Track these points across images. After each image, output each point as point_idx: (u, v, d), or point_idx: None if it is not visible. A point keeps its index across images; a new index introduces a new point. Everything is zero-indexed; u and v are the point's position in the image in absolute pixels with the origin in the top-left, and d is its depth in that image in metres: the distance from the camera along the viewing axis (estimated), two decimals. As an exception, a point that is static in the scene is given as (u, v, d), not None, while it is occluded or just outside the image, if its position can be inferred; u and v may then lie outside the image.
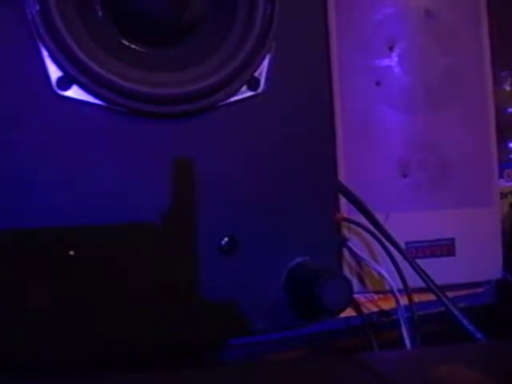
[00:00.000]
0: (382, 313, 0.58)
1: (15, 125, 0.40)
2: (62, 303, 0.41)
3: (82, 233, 0.41)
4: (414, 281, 0.54)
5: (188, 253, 0.43)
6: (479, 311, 0.60)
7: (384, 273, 0.55)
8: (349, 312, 0.56)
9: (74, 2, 0.40)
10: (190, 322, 0.43)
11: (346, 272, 0.60)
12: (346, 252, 0.60)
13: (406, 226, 0.60)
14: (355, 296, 0.58)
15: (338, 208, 0.59)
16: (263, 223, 0.45)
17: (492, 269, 0.62)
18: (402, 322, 0.52)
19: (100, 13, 0.42)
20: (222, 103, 0.43)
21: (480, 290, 0.62)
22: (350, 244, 0.59)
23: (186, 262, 0.43)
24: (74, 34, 0.39)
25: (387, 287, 0.56)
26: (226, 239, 0.44)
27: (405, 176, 0.61)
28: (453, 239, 0.61)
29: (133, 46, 0.43)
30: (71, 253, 0.40)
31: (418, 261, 0.55)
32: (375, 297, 0.60)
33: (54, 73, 0.40)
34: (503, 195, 0.70)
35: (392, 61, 0.61)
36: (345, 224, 0.59)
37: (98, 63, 0.40)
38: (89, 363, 0.42)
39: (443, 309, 0.51)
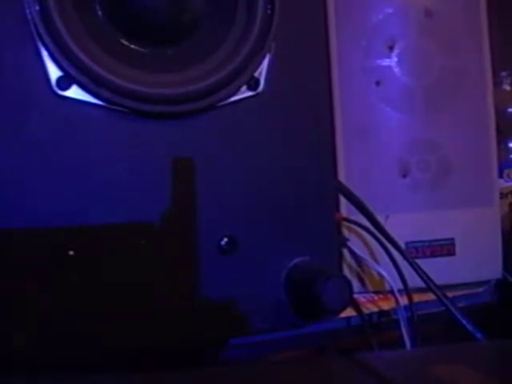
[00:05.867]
0: (382, 313, 0.58)
1: (15, 124, 0.40)
2: (61, 303, 0.40)
3: (81, 233, 0.41)
4: (414, 281, 0.54)
5: (188, 253, 0.43)
6: (479, 311, 0.60)
7: (384, 273, 0.55)
8: (349, 312, 0.56)
9: (73, 3, 0.40)
10: (190, 322, 0.43)
11: (346, 272, 0.60)
12: (345, 252, 0.60)
13: (406, 226, 0.60)
14: (355, 296, 0.58)
15: (337, 208, 0.59)
16: (263, 223, 0.45)
17: (492, 269, 0.62)
18: (402, 322, 0.52)
19: (100, 13, 0.42)
20: (221, 103, 0.43)
21: (480, 289, 0.62)
22: (349, 244, 0.59)
23: (185, 262, 0.43)
24: (73, 34, 0.39)
25: (387, 287, 0.56)
26: (225, 239, 0.44)
27: (404, 176, 0.61)
28: (452, 239, 0.61)
29: (132, 46, 0.43)
30: (71, 253, 0.40)
31: (418, 261, 0.55)
32: (375, 297, 0.60)
33: (54, 73, 0.40)
34: (503, 195, 0.70)
35: (392, 60, 0.61)
36: (345, 224, 0.60)
37: (98, 63, 0.40)
38: (89, 363, 0.42)
39: (443, 309, 0.51)
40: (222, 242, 0.44)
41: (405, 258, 0.55)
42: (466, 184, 0.62)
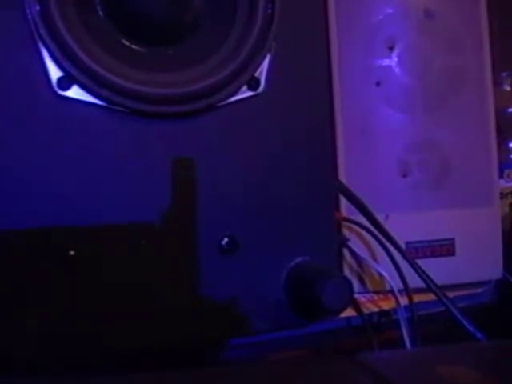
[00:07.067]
0: (382, 313, 0.58)
1: (15, 125, 0.40)
2: (61, 303, 0.40)
3: (82, 233, 0.41)
4: (414, 281, 0.54)
5: (188, 253, 0.43)
6: (479, 311, 0.60)
7: (384, 273, 0.55)
8: (349, 312, 0.56)
9: (74, 2, 0.40)
10: (190, 322, 0.43)
11: (347, 272, 0.60)
12: (346, 252, 0.60)
13: (406, 226, 0.60)
14: (355, 296, 0.58)
15: (338, 208, 0.59)
16: (263, 223, 0.45)
17: (492, 269, 0.62)
18: (402, 322, 0.52)
19: (100, 13, 0.42)
20: (222, 103, 0.43)
21: (480, 289, 0.63)
22: (350, 244, 0.59)
23: (186, 262, 0.43)
24: (74, 34, 0.39)
25: (387, 287, 0.56)
26: (225, 239, 0.44)
27: (405, 176, 0.61)
28: (453, 239, 0.61)
29: (133, 46, 0.43)
30: (71, 253, 0.40)
31: (418, 261, 0.55)
32: (375, 297, 0.60)
33: (55, 73, 0.40)
34: (503, 195, 0.70)
35: (392, 61, 0.61)
36: (345, 224, 0.60)
37: (99, 63, 0.40)
38: (89, 363, 0.42)
39: (443, 309, 0.51)
40: (223, 242, 0.44)
41: (405, 257, 0.55)
42: (466, 184, 0.62)
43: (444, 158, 0.61)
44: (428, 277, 0.53)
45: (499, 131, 0.65)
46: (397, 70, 0.61)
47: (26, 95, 0.40)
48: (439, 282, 0.53)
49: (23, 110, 0.40)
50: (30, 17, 0.39)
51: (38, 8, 0.39)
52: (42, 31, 0.39)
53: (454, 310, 0.50)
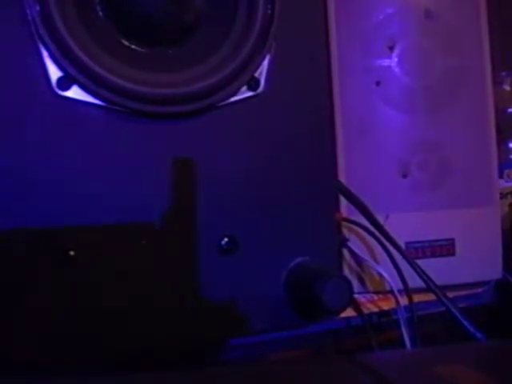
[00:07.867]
0: (382, 313, 0.58)
1: (15, 125, 0.40)
2: (61, 303, 0.41)
3: (82, 233, 0.41)
4: (414, 281, 0.54)
5: (188, 253, 0.43)
6: (479, 311, 0.60)
7: (384, 273, 0.55)
8: (349, 312, 0.56)
9: (74, 3, 0.40)
10: (190, 322, 0.43)
11: (346, 272, 0.60)
12: (346, 252, 0.60)
13: (406, 226, 0.60)
14: (355, 296, 0.58)
15: (338, 208, 0.59)
16: (263, 223, 0.45)
17: (492, 269, 0.62)
18: (402, 322, 0.52)
19: (100, 13, 0.42)
20: (222, 103, 0.43)
21: (480, 290, 0.62)
22: (350, 244, 0.59)
23: (186, 262, 0.43)
24: (74, 35, 0.39)
25: (387, 287, 0.56)
26: (225, 239, 0.44)
27: (405, 176, 0.61)
28: (453, 239, 0.61)
29: (133, 47, 0.43)
30: (71, 253, 0.40)
31: (418, 261, 0.55)
32: (375, 297, 0.60)
33: (54, 73, 0.40)
34: (503, 195, 0.70)
35: (392, 61, 0.61)
36: (345, 224, 0.60)
37: (98, 63, 0.40)
38: (89, 363, 0.42)
39: (443, 309, 0.51)
40: (223, 242, 0.44)
41: (405, 258, 0.55)
42: (466, 184, 0.62)
43: (444, 158, 0.61)
44: (428, 277, 0.53)
45: (499, 131, 0.65)
46: (397, 69, 0.61)
47: (26, 95, 0.40)
48: (439, 282, 0.53)
49: (23, 110, 0.40)
50: (29, 17, 0.39)
51: (37, 8, 0.39)
52: (42, 31, 0.39)
53: (454, 310, 0.50)
